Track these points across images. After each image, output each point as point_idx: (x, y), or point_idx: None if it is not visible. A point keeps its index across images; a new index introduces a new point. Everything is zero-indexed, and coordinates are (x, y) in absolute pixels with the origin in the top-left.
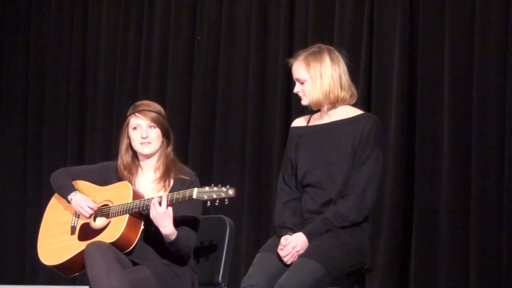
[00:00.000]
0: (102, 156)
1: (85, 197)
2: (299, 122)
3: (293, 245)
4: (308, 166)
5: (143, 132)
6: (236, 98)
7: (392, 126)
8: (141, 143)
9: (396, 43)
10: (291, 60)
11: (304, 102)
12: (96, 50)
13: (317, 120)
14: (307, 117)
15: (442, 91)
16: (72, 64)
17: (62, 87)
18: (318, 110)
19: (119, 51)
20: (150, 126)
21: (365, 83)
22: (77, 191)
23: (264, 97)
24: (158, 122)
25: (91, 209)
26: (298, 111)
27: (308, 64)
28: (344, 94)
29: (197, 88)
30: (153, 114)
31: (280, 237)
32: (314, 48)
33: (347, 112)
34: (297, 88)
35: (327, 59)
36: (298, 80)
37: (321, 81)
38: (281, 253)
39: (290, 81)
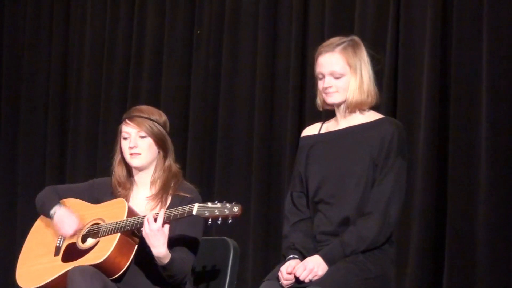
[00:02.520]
0: (86, 169)
1: (70, 213)
2: (310, 130)
3: (310, 267)
4: (320, 179)
5: (131, 141)
6: (241, 102)
7: (421, 134)
8: (130, 154)
9: (426, 38)
10: (321, 49)
11: (335, 99)
12: (80, 47)
13: (331, 126)
14: (319, 124)
15: (480, 94)
16: (52, 63)
17: (40, 90)
18: (333, 115)
19: (106, 47)
20: (141, 136)
21: (390, 84)
22: (62, 206)
23: (273, 100)
24: (149, 131)
25: (75, 229)
26: (313, 117)
27: (349, 57)
28: (376, 95)
29: (196, 90)
30: (144, 121)
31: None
32: (348, 40)
33: (366, 116)
34: (329, 82)
35: (365, 55)
36: (333, 74)
37: (361, 78)
38: (299, 273)
39: (303, 82)
